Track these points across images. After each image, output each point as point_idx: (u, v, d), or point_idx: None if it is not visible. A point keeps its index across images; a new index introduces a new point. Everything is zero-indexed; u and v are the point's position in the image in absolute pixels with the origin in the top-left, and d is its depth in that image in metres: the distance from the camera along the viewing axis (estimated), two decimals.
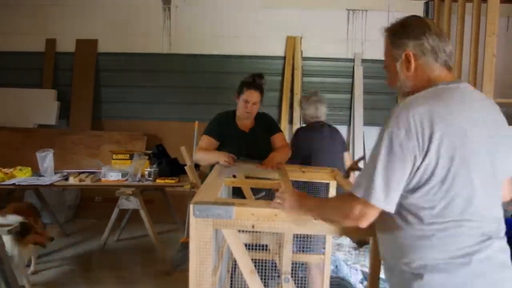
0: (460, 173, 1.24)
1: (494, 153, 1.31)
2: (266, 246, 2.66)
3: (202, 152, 2.87)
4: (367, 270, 3.08)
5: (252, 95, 2.88)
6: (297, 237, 2.60)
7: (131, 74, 5.88)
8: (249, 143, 2.89)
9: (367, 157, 1.35)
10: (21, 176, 3.93)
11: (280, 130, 3.06)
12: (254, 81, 2.93)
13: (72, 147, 5.36)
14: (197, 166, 4.00)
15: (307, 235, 2.64)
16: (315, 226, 1.54)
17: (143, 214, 3.84)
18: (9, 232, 2.73)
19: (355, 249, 3.16)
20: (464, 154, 1.24)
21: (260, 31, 5.64)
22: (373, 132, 5.48)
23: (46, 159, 3.92)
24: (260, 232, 2.23)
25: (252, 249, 2.52)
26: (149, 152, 4.44)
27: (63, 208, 5.19)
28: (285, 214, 1.54)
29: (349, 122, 5.83)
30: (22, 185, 3.80)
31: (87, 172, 4.13)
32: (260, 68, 5.46)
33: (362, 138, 5.69)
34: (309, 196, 1.60)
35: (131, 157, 4.08)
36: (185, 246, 3.97)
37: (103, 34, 5.84)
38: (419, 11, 5.90)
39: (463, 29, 5.39)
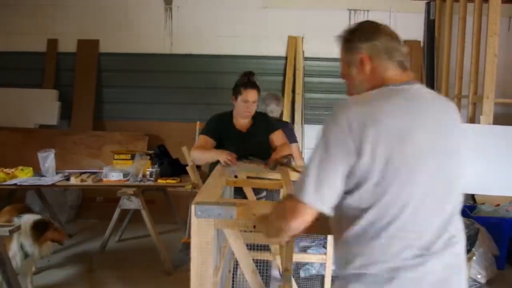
0: (396, 177, 1.19)
1: (442, 158, 1.25)
2: (267, 246, 2.67)
3: (198, 150, 2.86)
4: None
5: (251, 94, 2.87)
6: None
7: (133, 74, 5.89)
8: (247, 143, 2.88)
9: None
10: (23, 176, 3.93)
11: (278, 128, 3.05)
12: (250, 80, 2.92)
13: (73, 148, 5.36)
14: (198, 166, 3.99)
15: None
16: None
17: (144, 214, 3.84)
18: (10, 232, 2.73)
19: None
20: (403, 157, 1.19)
21: (261, 31, 5.64)
22: None
23: (48, 159, 3.92)
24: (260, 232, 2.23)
25: (254, 249, 2.52)
26: (150, 152, 4.44)
27: (65, 208, 5.20)
28: None
29: None
30: (24, 185, 3.80)
31: (89, 172, 4.13)
32: (262, 68, 5.47)
33: None
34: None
35: (132, 158, 4.07)
36: (187, 246, 3.97)
37: (105, 34, 5.85)
38: (421, 11, 5.90)
39: (464, 29, 5.39)
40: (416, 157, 1.21)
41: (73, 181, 3.87)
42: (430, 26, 5.90)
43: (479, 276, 3.45)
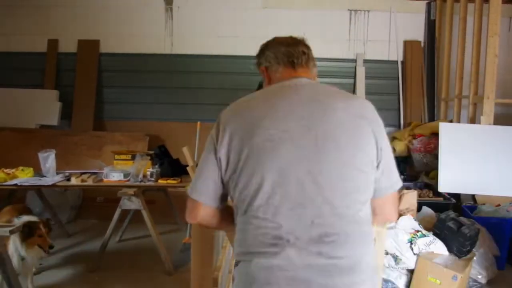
0: (246, 166, 1.24)
1: (315, 149, 1.22)
2: None
3: None
4: None
5: None
6: None
7: (133, 75, 5.89)
8: None
9: None
10: (23, 176, 3.93)
11: None
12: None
13: (74, 148, 5.36)
14: None
15: None
16: None
17: (145, 214, 3.83)
18: (11, 232, 2.72)
19: None
20: (252, 146, 1.23)
21: (261, 31, 5.63)
22: None
23: (48, 160, 3.92)
24: None
25: None
26: (151, 152, 4.44)
27: (65, 209, 5.20)
28: None
29: None
30: (24, 186, 3.80)
31: (89, 172, 4.13)
32: None
33: None
34: None
35: (133, 158, 4.07)
36: (187, 246, 3.97)
37: (105, 35, 5.85)
38: (421, 12, 5.91)
39: (465, 30, 5.40)
40: (267, 146, 1.22)
41: (74, 181, 3.87)
42: (431, 26, 5.90)
43: (479, 277, 3.45)
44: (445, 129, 4.58)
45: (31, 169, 4.03)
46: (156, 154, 4.52)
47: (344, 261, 1.20)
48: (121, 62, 5.87)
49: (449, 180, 4.39)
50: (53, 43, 5.85)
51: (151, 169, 3.99)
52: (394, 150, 4.97)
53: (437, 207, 3.90)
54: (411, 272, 3.22)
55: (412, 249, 3.16)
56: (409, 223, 3.33)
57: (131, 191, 3.79)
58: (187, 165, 3.74)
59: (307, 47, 1.49)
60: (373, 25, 5.88)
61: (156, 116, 5.87)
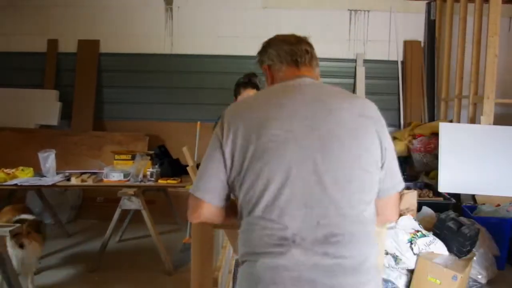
0: (251, 167, 1.23)
1: (320, 150, 1.21)
2: None
3: None
4: None
5: (249, 94, 2.88)
6: None
7: (133, 75, 5.89)
8: None
9: None
10: (23, 176, 3.93)
11: None
12: (250, 81, 2.93)
13: (74, 148, 5.36)
14: (199, 166, 3.99)
15: None
16: None
17: (145, 214, 3.83)
18: (11, 232, 2.73)
19: None
20: (258, 146, 1.22)
21: (261, 31, 5.63)
22: None
23: (48, 160, 3.92)
24: None
25: None
26: (151, 152, 4.44)
27: (65, 209, 5.20)
28: None
29: None
30: (24, 186, 3.80)
31: (89, 172, 4.13)
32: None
33: None
34: None
35: (133, 158, 4.07)
36: (188, 246, 3.97)
37: (105, 35, 5.85)
38: (421, 12, 5.91)
39: (465, 30, 5.40)
40: (272, 147, 1.22)
41: (74, 181, 3.87)
42: (431, 26, 5.90)
43: (479, 277, 3.45)
44: (445, 129, 4.58)
45: (31, 169, 4.03)
46: (156, 154, 4.52)
47: (348, 261, 1.20)
48: (121, 62, 5.87)
49: (449, 180, 4.39)
50: (53, 43, 5.85)
51: (151, 169, 3.99)
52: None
53: (437, 207, 3.90)
54: (411, 272, 3.22)
55: (412, 249, 3.16)
56: (409, 223, 3.33)
57: (131, 191, 3.78)
58: (187, 165, 3.74)
59: (310, 45, 1.48)
60: (373, 25, 5.88)
61: (156, 116, 5.87)
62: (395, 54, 5.84)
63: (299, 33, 1.52)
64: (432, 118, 5.82)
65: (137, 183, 3.87)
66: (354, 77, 5.86)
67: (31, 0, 5.82)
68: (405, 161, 5.29)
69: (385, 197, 1.33)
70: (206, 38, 5.82)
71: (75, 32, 5.84)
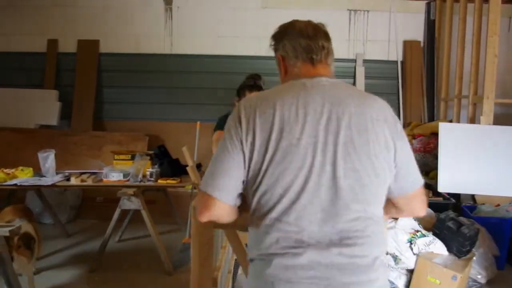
0: (272, 169, 1.22)
1: (338, 154, 1.22)
2: None
3: None
4: None
5: None
6: None
7: (133, 75, 5.89)
8: None
9: None
10: (23, 176, 3.93)
11: None
12: (255, 84, 2.95)
13: (73, 148, 5.36)
14: (199, 166, 4.00)
15: None
16: None
17: (144, 214, 3.83)
18: (10, 232, 2.72)
19: None
20: (278, 148, 1.22)
21: (261, 31, 5.63)
22: None
23: (48, 160, 3.92)
24: None
25: None
26: (150, 152, 4.44)
27: (65, 209, 5.20)
28: None
29: None
30: (24, 186, 3.80)
31: (89, 172, 4.13)
32: (262, 68, 5.46)
33: None
34: None
35: (132, 158, 4.07)
36: (187, 246, 3.97)
37: (105, 35, 5.85)
38: (421, 12, 5.91)
39: (464, 30, 5.40)
40: (292, 151, 1.22)
41: (73, 181, 3.87)
42: (430, 26, 5.90)
43: (479, 277, 3.45)
44: (444, 129, 4.58)
45: (31, 169, 4.03)
46: (156, 154, 4.52)
47: (362, 260, 1.23)
48: (120, 62, 5.87)
49: (449, 180, 4.39)
50: (53, 43, 5.85)
51: (150, 169, 3.99)
52: None
53: (437, 207, 3.89)
54: (410, 272, 3.22)
55: (411, 249, 3.16)
56: (409, 223, 3.33)
57: (130, 191, 3.79)
58: (187, 165, 3.75)
59: (327, 38, 1.42)
60: (373, 25, 5.89)
61: (156, 116, 5.87)
62: (395, 54, 5.84)
63: None
64: (431, 118, 5.82)
65: (137, 183, 3.87)
66: (354, 77, 5.86)
67: (31, 0, 5.82)
68: None
69: (405, 195, 1.35)
70: (206, 38, 5.82)
71: (75, 32, 5.84)
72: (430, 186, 4.59)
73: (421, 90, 5.94)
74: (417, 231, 3.29)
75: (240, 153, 1.25)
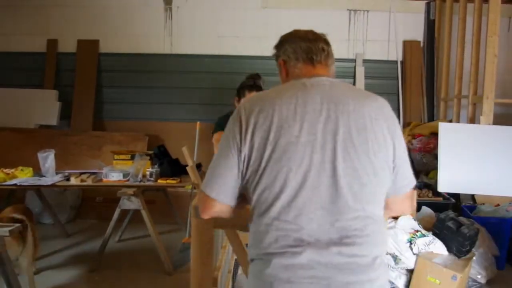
0: (270, 167, 1.23)
1: (337, 152, 1.23)
2: None
3: None
4: None
5: None
6: None
7: (133, 75, 5.89)
8: None
9: None
10: (23, 176, 3.93)
11: None
12: (255, 83, 2.95)
13: (73, 148, 5.36)
14: (198, 166, 4.00)
15: None
16: None
17: (144, 214, 3.84)
18: (10, 232, 2.73)
19: None
20: (276, 146, 1.23)
21: (261, 31, 5.64)
22: None
23: (48, 160, 3.93)
24: None
25: None
26: (150, 152, 4.44)
27: (65, 209, 5.20)
28: None
29: None
30: (24, 186, 3.80)
31: (89, 172, 4.13)
32: (262, 68, 5.46)
33: None
34: None
35: (132, 158, 4.08)
36: (187, 246, 3.97)
37: (105, 35, 5.85)
38: (421, 12, 5.91)
39: (464, 30, 5.40)
40: (290, 149, 1.23)
41: (73, 181, 3.87)
42: (430, 26, 5.90)
43: (479, 276, 3.45)
44: (444, 129, 4.58)
45: (31, 169, 4.03)
46: (156, 154, 4.52)
47: (362, 259, 1.23)
48: (120, 62, 5.87)
49: (449, 180, 4.39)
50: (52, 43, 5.85)
51: (150, 169, 3.99)
52: None
53: (437, 207, 3.90)
54: (410, 272, 3.22)
55: (411, 249, 3.16)
56: (409, 223, 3.33)
57: (130, 191, 3.79)
58: (187, 165, 3.75)
59: (327, 43, 1.47)
60: (373, 25, 5.88)
61: (156, 116, 5.87)
62: (395, 54, 5.84)
63: None
64: (431, 118, 5.82)
65: (137, 183, 3.87)
66: (354, 77, 5.86)
67: (31, 0, 5.82)
68: None
69: (397, 195, 1.36)
70: (205, 38, 5.82)
71: (74, 32, 5.84)
72: (430, 186, 4.60)
73: (421, 90, 5.94)
74: (417, 231, 3.29)
75: (239, 153, 1.26)
